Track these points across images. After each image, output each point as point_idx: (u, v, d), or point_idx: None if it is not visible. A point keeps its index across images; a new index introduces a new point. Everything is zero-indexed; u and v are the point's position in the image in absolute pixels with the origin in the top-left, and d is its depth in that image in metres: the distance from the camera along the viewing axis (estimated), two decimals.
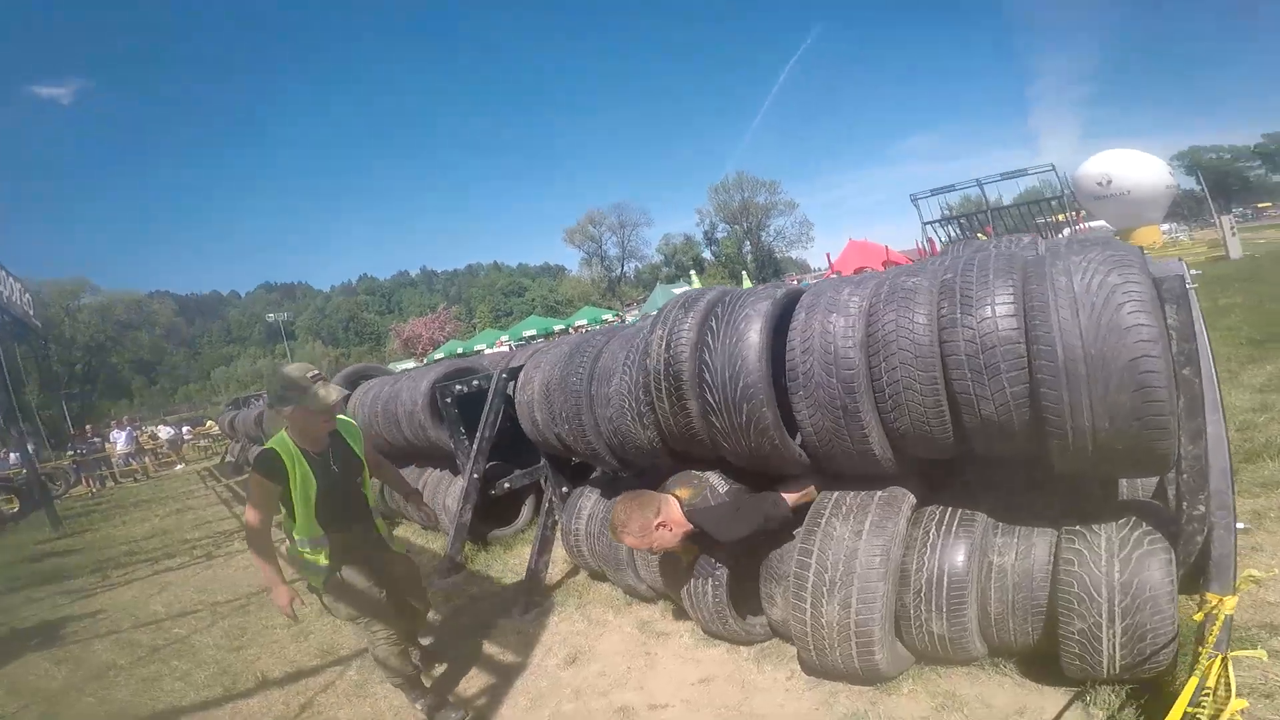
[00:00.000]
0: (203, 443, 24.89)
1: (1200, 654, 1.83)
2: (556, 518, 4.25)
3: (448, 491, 5.35)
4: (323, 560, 2.91)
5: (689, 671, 3.10)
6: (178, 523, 10.69)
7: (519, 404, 4.00)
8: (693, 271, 34.08)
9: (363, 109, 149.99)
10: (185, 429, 26.28)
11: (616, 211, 76.55)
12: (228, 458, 19.06)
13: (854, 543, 2.34)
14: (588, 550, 3.91)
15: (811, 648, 2.45)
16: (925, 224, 27.81)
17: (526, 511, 5.69)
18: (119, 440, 19.70)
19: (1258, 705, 2.03)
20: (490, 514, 5.43)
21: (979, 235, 24.54)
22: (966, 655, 2.41)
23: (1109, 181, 21.86)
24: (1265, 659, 1.95)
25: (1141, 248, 2.07)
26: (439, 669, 3.58)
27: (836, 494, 2.58)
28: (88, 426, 23.56)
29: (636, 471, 3.81)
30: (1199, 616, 1.90)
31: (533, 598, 4.17)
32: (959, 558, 2.30)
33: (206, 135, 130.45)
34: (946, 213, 28.64)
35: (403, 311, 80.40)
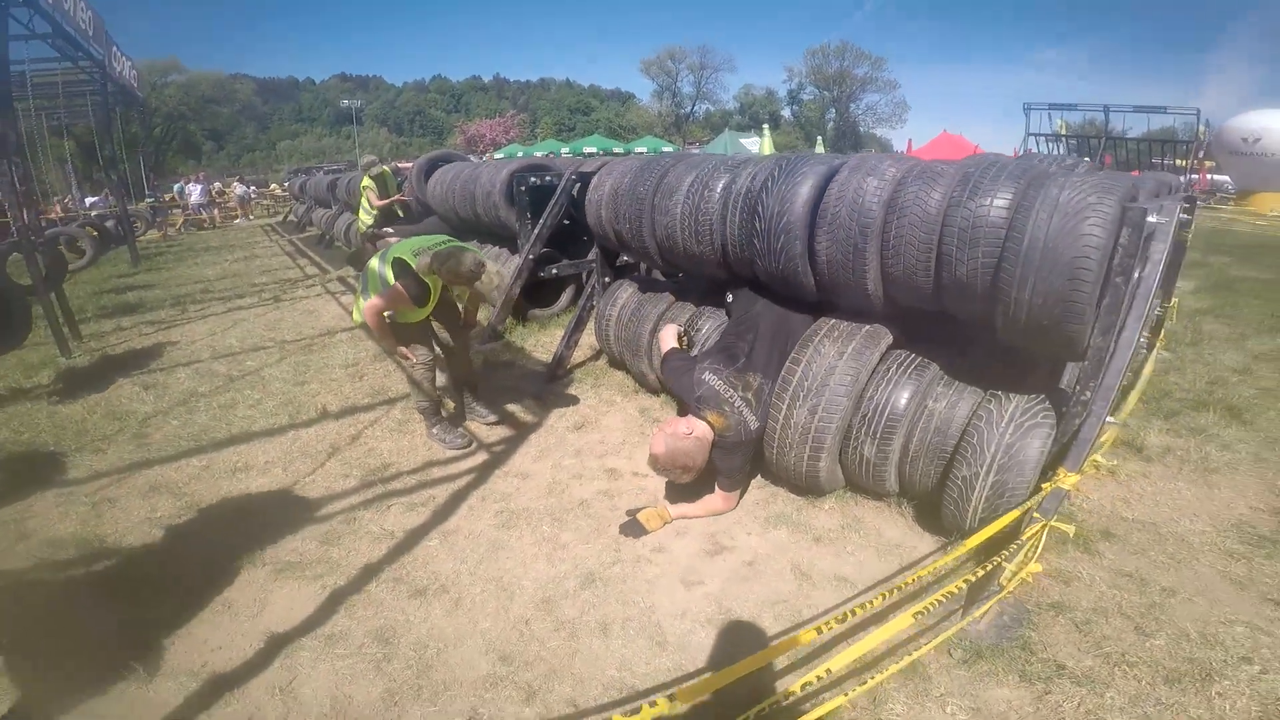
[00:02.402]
0: (266, 202, 26.92)
1: (1033, 516, 2.30)
2: (595, 302, 4.88)
3: (503, 267, 5.98)
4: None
5: None
6: (246, 268, 11.57)
7: (589, 201, 4.48)
8: (766, 125, 32.47)
9: None
10: (252, 188, 28.53)
11: (699, 52, 72.37)
12: (290, 217, 20.41)
13: (835, 361, 2.89)
14: (614, 335, 4.58)
15: (775, 445, 3.04)
16: (1030, 135, 26.63)
17: (565, 298, 6.49)
18: (194, 192, 21.75)
19: (1054, 585, 2.52)
20: (534, 295, 6.22)
21: (1084, 160, 23.24)
22: (882, 486, 3.01)
23: (1257, 140, 20.14)
24: (1071, 534, 2.46)
25: (1133, 181, 2.42)
26: (464, 421, 4.30)
27: (833, 320, 3.10)
28: (187, 178, 26.14)
29: (670, 273, 4.55)
30: (1047, 487, 2.36)
31: (557, 371, 4.90)
32: (905, 395, 2.85)
33: None
34: (1057, 130, 27.07)
35: (470, 113, 79.50)
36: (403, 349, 3.69)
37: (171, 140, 54.00)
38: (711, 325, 3.89)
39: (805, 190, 2.94)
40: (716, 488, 3.14)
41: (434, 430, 3.96)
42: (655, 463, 3.00)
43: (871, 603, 1.93)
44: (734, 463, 3.06)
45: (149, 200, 20.47)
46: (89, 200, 20.40)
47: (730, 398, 3.03)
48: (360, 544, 3.00)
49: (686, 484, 3.12)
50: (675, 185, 3.69)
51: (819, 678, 1.72)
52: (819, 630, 1.74)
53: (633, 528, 3.03)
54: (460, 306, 4.12)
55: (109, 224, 14.31)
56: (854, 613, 1.83)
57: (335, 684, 2.22)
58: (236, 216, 23.30)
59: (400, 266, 3.56)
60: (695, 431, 2.97)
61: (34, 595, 2.71)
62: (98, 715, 2.12)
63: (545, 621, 2.48)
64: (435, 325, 4.05)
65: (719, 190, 3.46)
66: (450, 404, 4.42)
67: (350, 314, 7.10)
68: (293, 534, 3.08)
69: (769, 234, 3.05)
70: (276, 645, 2.39)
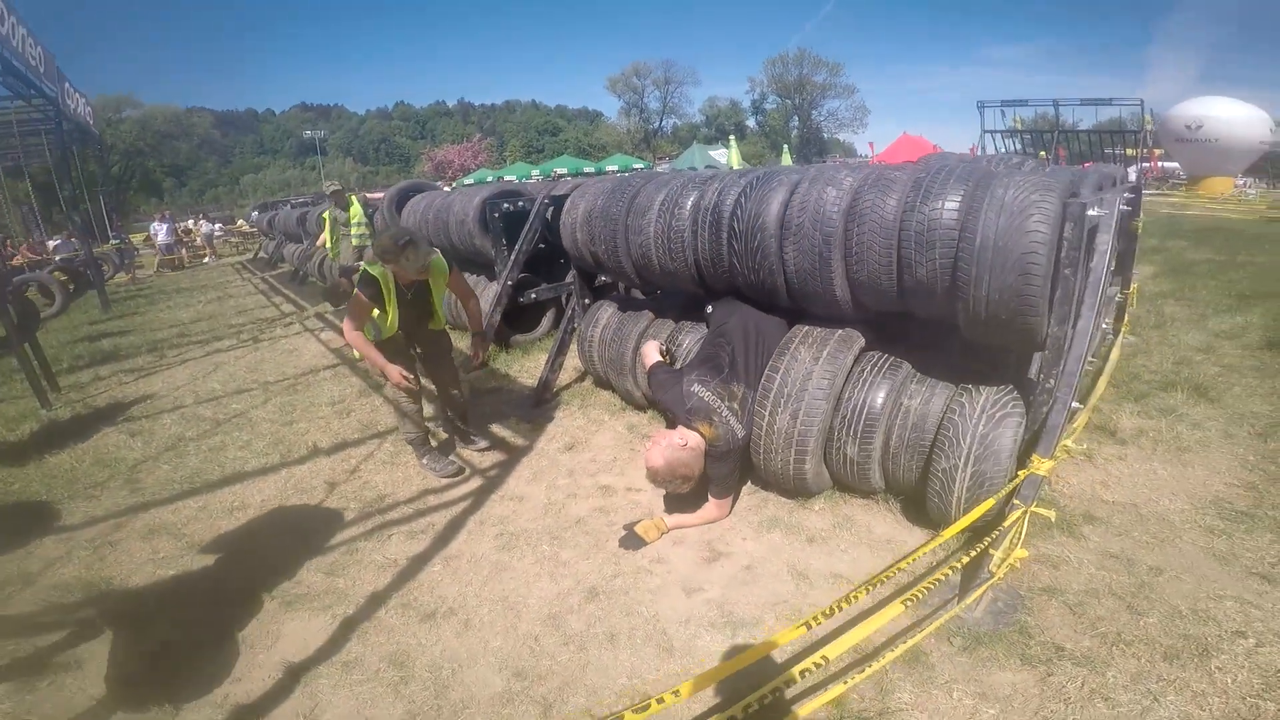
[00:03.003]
0: (234, 239, 26.21)
1: (1014, 503, 2.42)
2: (576, 325, 4.97)
3: (481, 295, 6.05)
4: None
5: None
6: (220, 309, 11.38)
7: (564, 225, 4.57)
8: (732, 137, 32.89)
9: None
10: (218, 226, 27.67)
11: (664, 67, 74.24)
12: (260, 254, 20.05)
13: (811, 366, 3.01)
14: (598, 356, 4.67)
15: (762, 451, 3.15)
16: (985, 132, 27.61)
17: (546, 323, 6.59)
18: (159, 232, 20.71)
19: (1044, 570, 2.62)
20: (515, 321, 6.31)
21: (1041, 154, 24.17)
22: (868, 484, 3.12)
23: (1199, 126, 21.05)
24: (1053, 519, 2.55)
25: (1074, 176, 2.60)
26: (457, 448, 4.37)
27: (808, 327, 3.23)
28: (156, 215, 25.19)
29: (650, 291, 4.63)
30: (1022, 474, 2.47)
31: (543, 394, 4.97)
32: (880, 395, 2.97)
33: None
34: (1012, 126, 28.05)
35: (436, 139, 79.45)
36: (390, 369, 3.70)
37: (131, 179, 52.67)
38: (692, 339, 4.00)
39: (779, 198, 3.09)
40: (709, 496, 3.24)
41: (424, 460, 4.02)
42: (655, 476, 3.08)
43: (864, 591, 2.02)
44: (723, 470, 3.16)
45: (115, 242, 19.91)
46: (52, 243, 19.87)
47: (719, 408, 3.14)
48: (365, 573, 3.05)
49: (681, 495, 3.22)
50: (647, 205, 3.83)
51: (816, 665, 1.81)
52: (820, 616, 1.83)
53: (631, 540, 3.12)
54: (443, 327, 4.13)
55: (79, 267, 14.02)
56: (851, 599, 1.92)
57: (356, 709, 2.28)
58: (205, 256, 22.62)
59: (361, 276, 3.65)
60: (689, 442, 3.08)
61: (47, 639, 2.74)
62: None
63: (554, 636, 2.55)
64: (422, 355, 4.10)
65: (689, 207, 3.60)
66: (441, 434, 4.48)
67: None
68: (297, 567, 3.12)
69: (746, 235, 3.21)
70: (295, 675, 2.45)
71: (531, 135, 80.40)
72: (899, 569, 2.23)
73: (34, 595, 3.07)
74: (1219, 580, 2.51)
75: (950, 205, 2.50)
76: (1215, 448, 3.55)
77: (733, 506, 3.33)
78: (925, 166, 2.76)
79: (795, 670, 1.74)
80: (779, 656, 2.33)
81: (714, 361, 3.38)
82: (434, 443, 4.18)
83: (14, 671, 2.55)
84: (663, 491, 3.36)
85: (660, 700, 1.49)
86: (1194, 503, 3.05)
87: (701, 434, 3.10)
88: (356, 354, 3.96)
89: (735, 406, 3.17)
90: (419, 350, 4.07)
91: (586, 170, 27.95)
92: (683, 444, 3.07)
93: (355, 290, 3.59)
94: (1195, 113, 21.32)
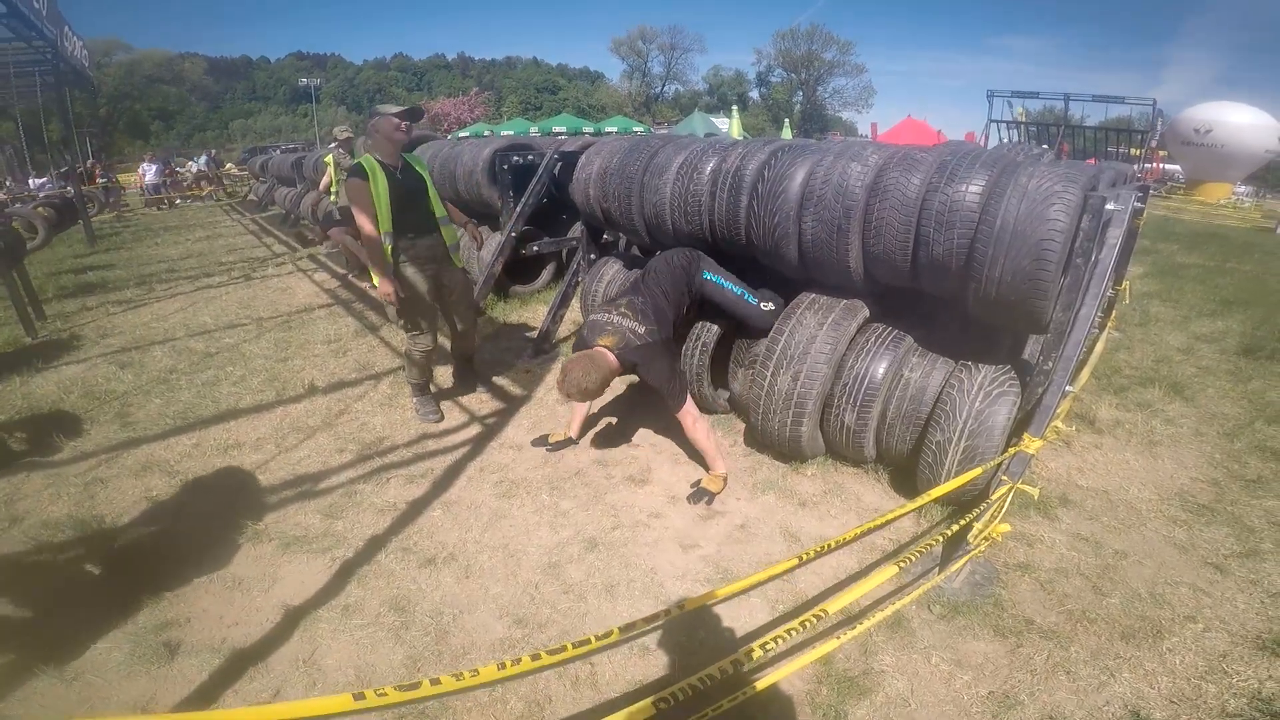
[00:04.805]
0: (225, 183, 25.74)
1: (1001, 479, 2.51)
2: (581, 279, 4.99)
3: (484, 244, 6.04)
4: (388, 255, 3.67)
5: (660, 421, 3.92)
6: (210, 247, 11.15)
7: (577, 179, 4.54)
8: (735, 107, 32.44)
9: None
10: (203, 161, 27.23)
11: (670, 33, 72.78)
12: (250, 196, 19.72)
13: (815, 331, 3.08)
14: None
15: (760, 411, 3.21)
16: (991, 121, 27.35)
17: (546, 275, 6.67)
18: (148, 172, 20.32)
19: (1019, 547, 2.74)
20: (515, 272, 6.36)
21: (1043, 148, 23.89)
22: (861, 452, 3.19)
23: (1208, 131, 20.99)
24: (1035, 496, 2.63)
25: (1095, 170, 2.65)
26: (458, 393, 4.40)
27: (814, 294, 3.28)
28: (149, 155, 24.95)
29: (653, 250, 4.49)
30: (1011, 451, 2.55)
31: (543, 345, 5.00)
32: (882, 366, 3.04)
33: None
34: (1017, 117, 27.78)
35: (432, 91, 77.47)
36: (384, 279, 3.66)
37: (118, 121, 51.46)
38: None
39: (804, 168, 3.11)
40: (674, 415, 3.19)
41: (415, 400, 4.09)
42: (559, 383, 3.04)
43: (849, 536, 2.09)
44: (657, 374, 3.11)
45: (102, 181, 19.55)
46: (35, 181, 19.41)
47: (606, 320, 3.20)
48: (364, 516, 3.05)
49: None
50: (665, 165, 3.82)
51: (816, 617, 1.86)
52: (811, 553, 1.90)
53: (701, 494, 3.17)
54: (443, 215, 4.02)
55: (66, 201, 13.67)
56: (830, 546, 1.98)
57: (356, 654, 2.26)
58: (203, 193, 22.17)
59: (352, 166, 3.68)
60: (588, 353, 3.10)
61: (40, 579, 2.66)
62: (125, 695, 2.11)
63: (553, 585, 2.60)
64: (441, 294, 4.06)
65: (708, 172, 3.59)
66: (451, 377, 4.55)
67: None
68: (294, 509, 3.10)
69: (766, 201, 3.22)
70: (293, 619, 2.40)
71: (530, 92, 78.71)
72: (887, 524, 2.29)
73: (22, 533, 2.94)
74: (1177, 567, 2.66)
75: (974, 189, 2.54)
76: (1185, 444, 3.70)
77: (698, 409, 3.25)
78: (952, 150, 2.79)
79: (796, 622, 1.79)
80: (774, 612, 2.44)
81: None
82: (432, 389, 4.20)
83: (4, 613, 2.46)
84: (662, 460, 3.46)
85: (668, 612, 1.56)
86: (1161, 493, 3.20)
87: (603, 346, 3.12)
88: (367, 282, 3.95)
89: (626, 312, 3.21)
90: (442, 291, 4.03)
91: (586, 130, 27.52)
92: (581, 356, 3.09)
93: (347, 179, 3.60)
94: (1206, 117, 21.29)
